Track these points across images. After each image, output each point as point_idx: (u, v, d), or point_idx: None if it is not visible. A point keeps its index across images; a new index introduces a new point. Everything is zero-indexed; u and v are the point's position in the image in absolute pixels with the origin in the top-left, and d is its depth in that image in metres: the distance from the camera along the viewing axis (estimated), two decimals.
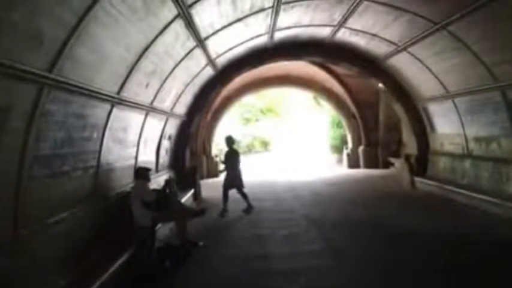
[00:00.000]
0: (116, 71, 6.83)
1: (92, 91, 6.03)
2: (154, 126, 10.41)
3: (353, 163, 22.35)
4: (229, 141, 11.74)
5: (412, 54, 11.73)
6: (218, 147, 23.05)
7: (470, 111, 11.15)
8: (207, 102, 15.15)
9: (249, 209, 11.24)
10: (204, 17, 8.51)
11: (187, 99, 12.88)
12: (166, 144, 12.12)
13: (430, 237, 7.98)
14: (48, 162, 5.27)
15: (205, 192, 14.35)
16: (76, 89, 5.53)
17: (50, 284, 4.88)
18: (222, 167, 12.20)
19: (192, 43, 9.31)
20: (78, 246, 5.82)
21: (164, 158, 12.11)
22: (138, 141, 9.15)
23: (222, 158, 11.96)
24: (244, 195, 11.40)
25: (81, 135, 6.15)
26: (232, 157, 11.52)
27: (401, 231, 8.58)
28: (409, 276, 6.05)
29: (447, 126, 12.69)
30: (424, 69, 11.88)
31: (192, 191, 12.99)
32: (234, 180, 11.41)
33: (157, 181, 9.99)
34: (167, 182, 8.47)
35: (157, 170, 11.12)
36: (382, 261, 6.77)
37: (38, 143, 4.91)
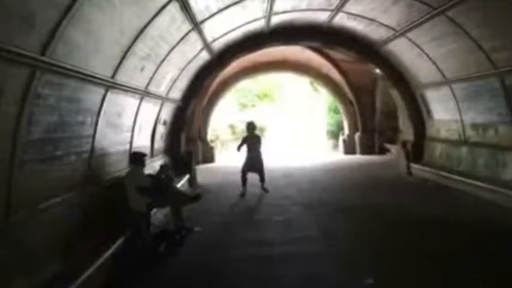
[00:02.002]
0: (110, 55, 6.72)
1: (86, 75, 5.93)
2: (149, 111, 10.31)
3: (349, 149, 22.35)
4: (251, 126, 12.09)
5: (410, 40, 11.64)
6: (214, 133, 22.99)
7: (467, 98, 11.09)
8: (202, 87, 15.06)
9: (265, 190, 11.89)
10: None
11: (182, 83, 12.76)
12: (161, 129, 12.04)
13: (425, 224, 8.00)
14: (41, 147, 5.18)
15: (200, 178, 14.34)
16: (69, 73, 5.42)
17: (43, 270, 4.84)
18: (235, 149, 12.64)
19: (187, 27, 9.17)
20: (72, 232, 5.77)
21: (159, 143, 12.04)
22: (132, 126, 9.06)
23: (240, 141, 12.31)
24: (263, 179, 11.93)
25: (75, 119, 6.05)
26: (255, 141, 11.96)
27: (396, 218, 8.60)
28: (403, 263, 6.05)
29: (444, 112, 12.65)
30: (422, 54, 11.80)
31: (188, 176, 12.96)
32: (255, 163, 11.91)
33: (152, 166, 9.93)
34: (162, 167, 8.42)
35: (152, 155, 11.04)
36: (377, 248, 6.78)
37: (30, 127, 4.80)
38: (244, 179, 11.75)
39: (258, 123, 37.75)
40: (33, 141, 4.93)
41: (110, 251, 5.94)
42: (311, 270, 6.01)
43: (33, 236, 4.91)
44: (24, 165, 4.75)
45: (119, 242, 6.37)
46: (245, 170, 11.82)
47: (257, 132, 12.71)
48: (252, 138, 11.95)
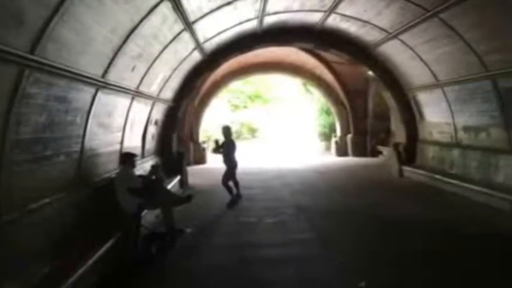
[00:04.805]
0: (101, 54, 6.63)
1: (76, 74, 5.85)
2: (141, 111, 10.23)
3: (341, 151, 22.37)
4: (227, 131, 11.21)
5: (403, 42, 11.64)
6: (206, 134, 22.90)
7: (459, 100, 11.11)
8: (194, 88, 14.98)
9: (231, 203, 10.84)
10: None
11: (174, 84, 12.68)
12: (152, 129, 11.96)
13: (417, 226, 8.04)
14: (30, 147, 5.11)
15: (192, 179, 14.26)
16: (59, 72, 5.34)
17: (33, 270, 4.78)
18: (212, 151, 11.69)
19: (179, 26, 9.09)
20: (62, 233, 5.72)
21: (150, 143, 11.95)
22: (123, 126, 8.98)
23: (214, 145, 11.31)
24: (229, 188, 11.07)
25: (64, 119, 5.97)
26: (231, 147, 11.06)
27: (389, 220, 8.59)
28: (397, 265, 6.04)
29: (436, 115, 12.67)
30: (414, 57, 11.81)
31: (179, 177, 12.88)
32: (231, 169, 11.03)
33: (143, 167, 9.86)
34: (153, 168, 8.34)
35: (143, 156, 10.96)
36: (370, 250, 6.79)
37: (19, 127, 4.73)
38: (235, 183, 11.21)
39: (250, 124, 38.07)
40: (22, 141, 4.86)
41: (100, 252, 5.86)
42: (304, 273, 5.98)
43: (23, 237, 4.85)
44: (13, 165, 4.68)
45: (110, 243, 6.28)
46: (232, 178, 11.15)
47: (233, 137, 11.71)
48: (228, 144, 11.08)
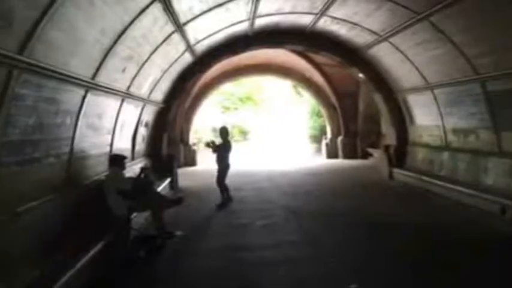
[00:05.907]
0: (90, 55, 6.60)
1: (65, 75, 5.81)
2: (131, 112, 10.18)
3: (332, 153, 22.36)
4: (224, 131, 11.16)
5: (393, 45, 11.68)
6: (197, 136, 22.82)
7: (449, 103, 11.17)
8: (185, 90, 14.97)
9: (222, 204, 10.79)
10: (184, 0, 8.28)
11: (165, 85, 12.64)
12: (142, 131, 11.90)
13: (406, 228, 8.05)
14: (19, 149, 5.07)
15: (182, 181, 14.20)
16: (48, 73, 5.31)
17: (22, 274, 4.72)
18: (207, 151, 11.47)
19: (170, 28, 9.07)
20: (51, 236, 5.66)
21: (140, 145, 11.89)
22: (113, 128, 8.93)
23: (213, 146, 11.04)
24: (222, 189, 11.00)
25: (54, 121, 5.93)
26: (227, 149, 11.03)
27: (378, 221, 8.60)
28: (385, 267, 6.07)
29: (426, 117, 12.72)
30: (404, 60, 11.85)
31: (169, 179, 12.83)
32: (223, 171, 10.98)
33: (133, 169, 9.79)
34: (142, 169, 8.30)
35: (133, 158, 10.91)
36: (360, 252, 6.81)
37: (8, 128, 4.69)
38: (225, 186, 11.06)
39: (241, 126, 38.07)
40: (10, 142, 4.82)
41: (89, 255, 5.81)
42: (298, 274, 5.98)
43: (10, 240, 4.79)
44: (1, 167, 4.63)
45: (99, 246, 6.23)
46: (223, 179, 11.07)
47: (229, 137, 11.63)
48: (225, 145, 11.03)
